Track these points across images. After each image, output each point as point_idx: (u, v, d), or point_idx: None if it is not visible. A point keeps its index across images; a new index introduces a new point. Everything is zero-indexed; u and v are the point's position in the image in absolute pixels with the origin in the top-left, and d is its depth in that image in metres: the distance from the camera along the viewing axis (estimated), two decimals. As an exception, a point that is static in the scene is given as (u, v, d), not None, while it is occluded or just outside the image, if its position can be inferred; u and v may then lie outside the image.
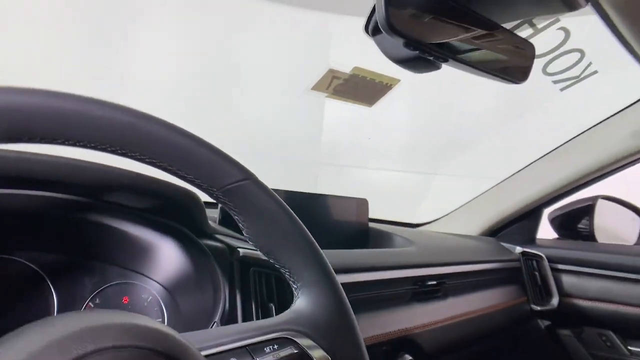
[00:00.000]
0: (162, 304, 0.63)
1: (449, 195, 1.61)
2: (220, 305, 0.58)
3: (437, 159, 1.58)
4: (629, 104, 0.99)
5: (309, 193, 0.96)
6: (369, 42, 0.63)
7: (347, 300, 0.45)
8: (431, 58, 0.61)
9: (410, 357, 0.81)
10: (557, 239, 1.32)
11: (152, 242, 0.59)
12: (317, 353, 0.41)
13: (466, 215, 1.35)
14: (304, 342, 0.41)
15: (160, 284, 0.62)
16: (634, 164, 1.08)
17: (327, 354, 0.41)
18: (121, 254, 0.59)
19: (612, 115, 1.04)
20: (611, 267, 1.13)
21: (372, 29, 0.68)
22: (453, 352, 0.92)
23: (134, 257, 0.60)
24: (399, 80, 0.91)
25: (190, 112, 1.25)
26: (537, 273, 1.19)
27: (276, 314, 0.61)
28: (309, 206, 0.95)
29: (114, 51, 1.06)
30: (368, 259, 0.79)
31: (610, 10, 0.66)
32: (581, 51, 0.88)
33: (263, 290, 0.62)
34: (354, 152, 1.53)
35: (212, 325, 0.58)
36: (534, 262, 1.20)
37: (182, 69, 1.16)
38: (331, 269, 0.45)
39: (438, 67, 0.62)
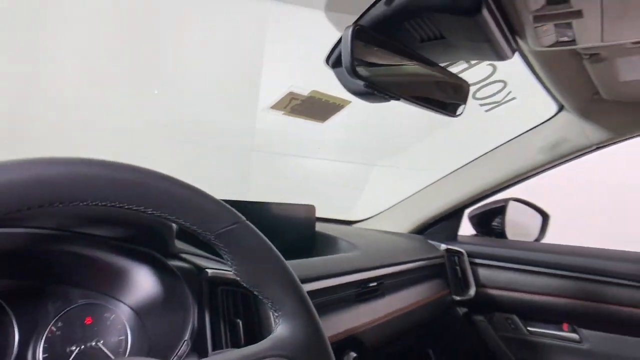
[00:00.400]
0: (125, 322, 0.64)
1: (384, 186, 1.73)
2: (190, 324, 0.62)
3: (373, 154, 1.67)
4: (537, 124, 1.17)
5: (257, 202, 1.00)
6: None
7: (321, 325, 0.51)
8: (385, 96, 0.68)
9: (355, 354, 0.90)
10: (475, 235, 1.49)
11: (122, 267, 0.60)
12: None
13: (397, 214, 1.47)
14: None
15: (127, 305, 0.63)
16: (541, 174, 1.26)
17: None
18: (87, 278, 0.60)
19: (523, 133, 1.21)
20: (517, 261, 1.31)
21: (333, 62, 0.74)
22: (391, 345, 1.03)
23: (102, 280, 0.61)
24: (350, 102, 0.98)
25: (120, 101, 1.22)
26: (458, 267, 1.35)
27: (243, 330, 0.66)
28: (258, 214, 0.99)
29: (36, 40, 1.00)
30: (320, 268, 0.85)
31: (532, 58, 0.79)
32: (504, 82, 1.02)
33: (230, 307, 0.66)
34: (289, 140, 1.57)
35: (182, 344, 0.61)
36: (456, 258, 1.35)
37: (109, 50, 1.12)
38: (308, 298, 0.51)
39: (388, 100, 0.70)
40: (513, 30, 0.65)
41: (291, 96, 0.94)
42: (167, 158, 1.37)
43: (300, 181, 1.74)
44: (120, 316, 0.64)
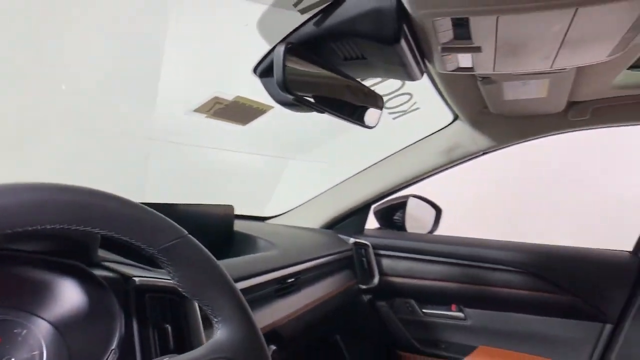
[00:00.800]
0: (40, 336, 0.61)
1: (295, 183, 1.78)
2: (117, 333, 0.61)
3: (285, 149, 1.70)
4: (435, 131, 1.31)
5: (175, 204, 0.98)
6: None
7: (258, 327, 0.55)
8: (311, 109, 0.73)
9: (275, 347, 0.95)
10: (379, 228, 1.62)
11: (42, 281, 0.58)
12: None
13: (309, 210, 1.54)
14: None
15: (42, 318, 0.61)
16: (439, 173, 1.41)
17: None
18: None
19: (424, 138, 1.35)
20: (414, 251, 1.46)
21: (261, 72, 0.77)
22: (305, 335, 1.09)
23: (16, 296, 0.57)
24: (272, 107, 1.01)
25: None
26: (364, 259, 1.46)
27: (172, 334, 0.67)
28: (175, 216, 0.97)
29: None
30: (243, 269, 0.88)
31: (436, 78, 0.89)
32: (410, 94, 1.14)
33: (158, 314, 0.66)
34: (194, 129, 1.53)
35: (110, 353, 0.60)
36: (363, 250, 1.47)
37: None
38: (245, 302, 0.54)
39: (311, 111, 0.75)
40: (424, 56, 0.74)
41: (215, 100, 0.94)
42: (59, 149, 1.27)
43: (205, 174, 1.71)
44: (34, 330, 0.61)
